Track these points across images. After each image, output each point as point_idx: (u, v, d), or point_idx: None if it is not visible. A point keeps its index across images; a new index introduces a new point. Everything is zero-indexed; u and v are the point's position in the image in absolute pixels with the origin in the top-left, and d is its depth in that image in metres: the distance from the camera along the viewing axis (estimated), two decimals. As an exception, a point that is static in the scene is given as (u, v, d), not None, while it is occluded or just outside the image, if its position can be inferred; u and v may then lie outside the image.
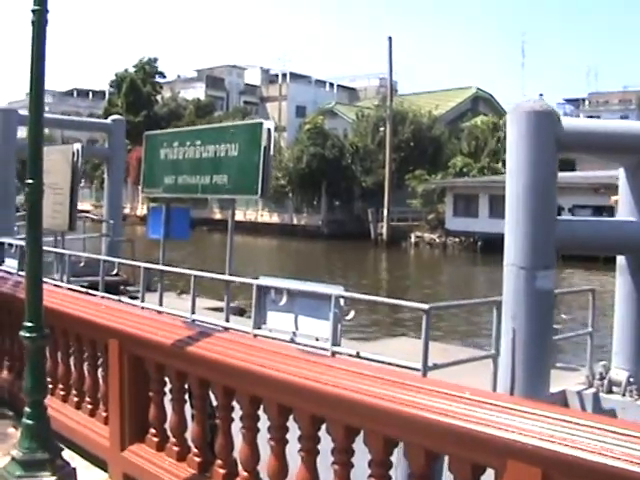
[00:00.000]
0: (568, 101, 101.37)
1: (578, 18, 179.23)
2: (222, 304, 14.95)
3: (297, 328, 7.53)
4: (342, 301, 7.21)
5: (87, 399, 4.86)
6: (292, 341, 7.44)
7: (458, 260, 43.13)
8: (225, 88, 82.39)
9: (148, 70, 75.03)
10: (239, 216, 58.18)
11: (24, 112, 34.25)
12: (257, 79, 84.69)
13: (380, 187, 51.97)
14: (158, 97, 75.20)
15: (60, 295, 5.37)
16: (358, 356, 6.72)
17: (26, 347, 3.82)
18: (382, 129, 53.96)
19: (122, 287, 15.17)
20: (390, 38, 48.89)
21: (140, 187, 9.85)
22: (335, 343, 7.09)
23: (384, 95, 58.65)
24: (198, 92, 78.35)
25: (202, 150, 8.83)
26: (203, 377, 3.75)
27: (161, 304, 9.94)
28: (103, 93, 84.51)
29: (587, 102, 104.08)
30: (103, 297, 11.17)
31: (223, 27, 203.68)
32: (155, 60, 76.65)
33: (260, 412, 3.39)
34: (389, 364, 6.34)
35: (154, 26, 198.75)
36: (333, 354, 6.90)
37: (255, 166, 7.98)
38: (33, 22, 3.33)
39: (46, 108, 3.90)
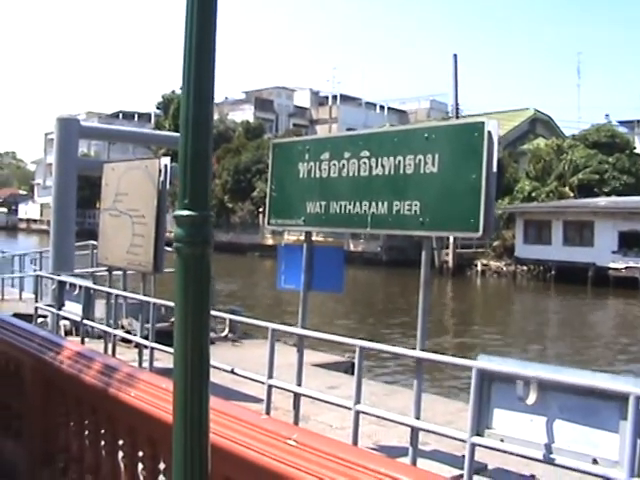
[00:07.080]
0: (622, 123, 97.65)
1: (632, 37, 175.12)
2: (332, 358, 12.49)
3: (552, 440, 4.85)
4: (644, 404, 4.48)
5: None
6: (547, 460, 4.79)
7: (536, 291, 39.95)
8: (274, 110, 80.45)
9: (196, 91, 73.53)
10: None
11: (87, 123, 30.73)
12: (306, 101, 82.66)
13: (442, 212, 49.16)
14: (206, 119, 73.49)
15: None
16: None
17: None
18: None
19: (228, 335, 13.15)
20: (455, 55, 46.44)
21: (266, 217, 7.24)
22: (634, 474, 4.38)
23: (445, 117, 56.09)
24: (246, 114, 76.49)
25: (372, 164, 6.07)
26: None
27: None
28: (148, 115, 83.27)
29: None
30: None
31: (271, 48, 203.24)
32: (203, 81, 75.10)
33: None
34: None
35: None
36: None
37: (472, 189, 5.25)
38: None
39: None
